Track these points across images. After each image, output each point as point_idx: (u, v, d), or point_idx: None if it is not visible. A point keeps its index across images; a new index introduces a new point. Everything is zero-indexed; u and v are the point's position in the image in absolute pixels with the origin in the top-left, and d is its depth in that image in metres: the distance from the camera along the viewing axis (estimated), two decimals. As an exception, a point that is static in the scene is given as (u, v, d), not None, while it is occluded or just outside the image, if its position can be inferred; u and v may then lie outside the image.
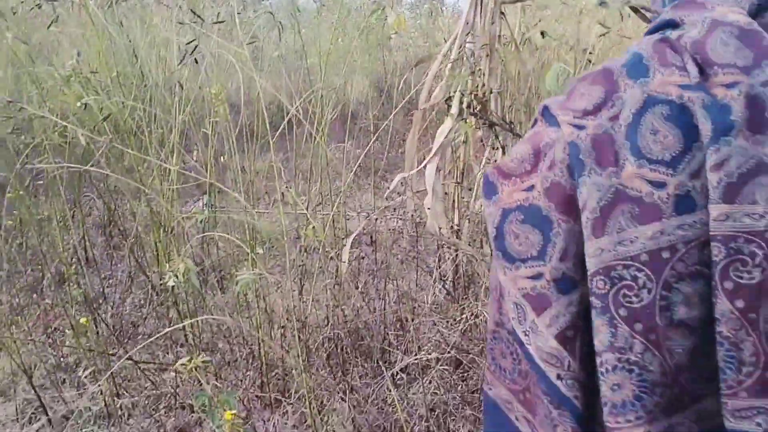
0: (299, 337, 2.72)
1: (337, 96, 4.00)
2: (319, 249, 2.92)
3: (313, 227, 2.37)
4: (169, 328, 2.54)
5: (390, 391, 2.76)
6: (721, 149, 0.68)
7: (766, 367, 0.66)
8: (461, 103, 3.00)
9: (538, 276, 0.75)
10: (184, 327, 2.71)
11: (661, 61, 0.73)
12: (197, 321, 2.92)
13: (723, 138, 0.68)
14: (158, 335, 2.95)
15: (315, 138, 3.15)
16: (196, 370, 2.06)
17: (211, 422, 2.25)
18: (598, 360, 0.71)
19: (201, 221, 3.51)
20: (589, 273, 0.71)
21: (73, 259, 3.94)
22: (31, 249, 4.16)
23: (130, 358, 2.96)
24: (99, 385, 2.83)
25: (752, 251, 0.66)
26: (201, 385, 2.56)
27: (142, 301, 3.86)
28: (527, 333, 0.77)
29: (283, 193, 2.45)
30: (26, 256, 4.07)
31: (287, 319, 2.46)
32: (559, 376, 0.75)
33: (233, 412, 1.95)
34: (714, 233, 0.68)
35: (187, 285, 2.49)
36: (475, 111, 2.71)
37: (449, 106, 3.08)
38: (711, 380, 0.69)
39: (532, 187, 0.77)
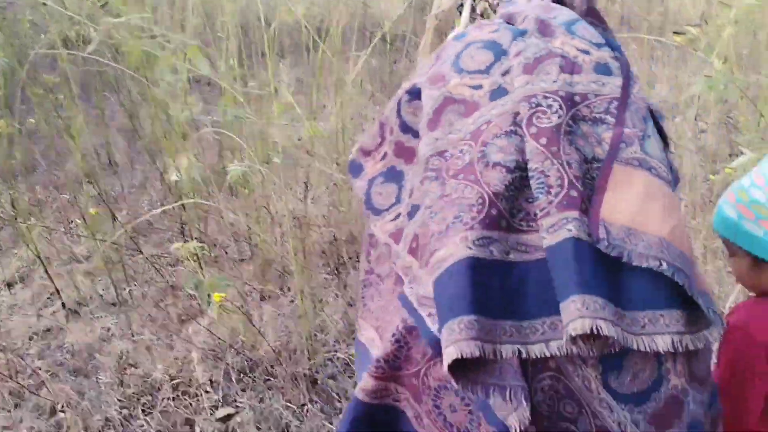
0: (297, 234, 2.80)
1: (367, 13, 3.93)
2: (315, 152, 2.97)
3: (312, 126, 2.41)
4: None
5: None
6: (518, 44, 0.96)
7: (570, 187, 0.81)
8: (473, 9, 2.95)
9: (397, 216, 0.99)
10: (180, 223, 2.80)
11: (475, 26, 1.15)
12: (205, 218, 3.02)
13: (520, 38, 0.97)
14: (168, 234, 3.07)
15: (331, 54, 3.12)
16: (191, 256, 2.16)
17: (205, 306, 2.37)
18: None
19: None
20: (425, 157, 0.94)
21: (94, 161, 4.06)
22: (54, 148, 4.29)
23: (140, 251, 3.09)
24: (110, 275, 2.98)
25: (549, 104, 0.87)
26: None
27: (158, 202, 3.98)
28: (394, 262, 0.97)
29: (276, 89, 2.47)
30: (50, 155, 4.20)
31: (287, 218, 2.53)
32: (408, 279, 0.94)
33: (222, 295, 2.05)
34: (519, 96, 0.89)
35: (191, 183, 2.58)
36: (487, 16, 2.67)
37: (461, 12, 3.03)
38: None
39: (385, 155, 1.04)
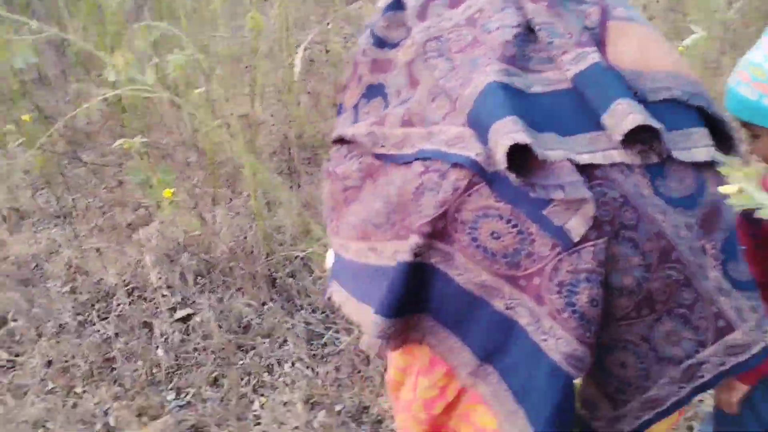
0: (246, 135, 2.72)
1: None
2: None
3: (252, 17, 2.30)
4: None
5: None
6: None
7: (580, 34, 0.82)
8: None
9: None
10: (121, 126, 2.68)
11: None
12: (148, 123, 2.90)
13: None
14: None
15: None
16: (140, 154, 2.07)
17: (154, 207, 2.29)
18: None
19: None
20: (420, 42, 0.91)
21: (24, 76, 3.82)
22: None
23: (79, 159, 2.96)
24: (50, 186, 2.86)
25: None
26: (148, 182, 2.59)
27: (96, 116, 3.80)
28: (381, 144, 0.93)
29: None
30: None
31: (233, 115, 2.43)
32: None
33: (173, 190, 1.98)
34: None
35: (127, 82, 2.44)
36: None
37: None
38: None
39: (360, 78, 0.99)
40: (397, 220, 0.90)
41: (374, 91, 1.02)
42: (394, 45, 1.00)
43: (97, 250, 2.45)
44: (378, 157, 0.95)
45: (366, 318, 0.93)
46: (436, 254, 0.86)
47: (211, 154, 2.53)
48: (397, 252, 0.90)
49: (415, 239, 0.85)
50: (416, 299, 0.89)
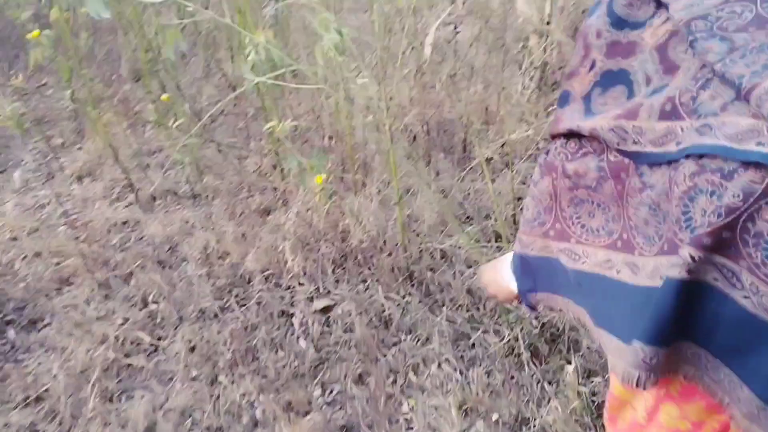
0: (382, 119, 2.62)
1: None
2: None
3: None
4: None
5: (475, 182, 2.68)
6: None
7: None
8: None
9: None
10: (256, 108, 2.63)
11: None
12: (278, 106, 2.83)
13: None
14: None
15: None
16: (286, 136, 2.00)
17: (302, 189, 2.22)
18: None
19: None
20: (682, 22, 0.77)
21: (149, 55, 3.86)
22: (105, 46, 4.10)
23: (212, 140, 2.94)
24: (183, 166, 2.85)
25: None
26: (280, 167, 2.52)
27: (217, 98, 3.81)
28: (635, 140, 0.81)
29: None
30: (102, 54, 4.02)
31: (368, 106, 2.33)
32: None
33: (324, 176, 1.90)
34: None
35: (267, 64, 2.37)
36: None
37: None
38: None
39: (594, 63, 0.86)
40: (664, 232, 0.76)
41: (614, 79, 0.87)
42: (639, 25, 0.85)
43: (238, 234, 2.41)
44: (626, 154, 0.81)
45: (611, 342, 0.81)
46: (713, 271, 0.72)
47: (350, 139, 2.43)
48: (658, 268, 0.76)
49: (689, 252, 0.71)
50: (680, 324, 0.75)
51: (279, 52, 2.27)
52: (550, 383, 1.85)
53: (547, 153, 0.90)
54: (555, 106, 3.03)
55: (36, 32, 2.08)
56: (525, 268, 0.98)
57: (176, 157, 2.16)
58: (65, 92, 3.33)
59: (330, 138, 2.80)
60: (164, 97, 2.61)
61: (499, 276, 1.05)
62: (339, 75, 2.43)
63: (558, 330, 1.96)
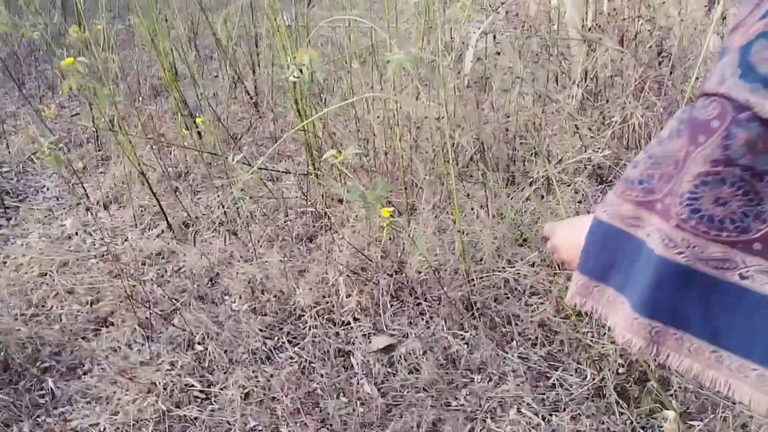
0: (431, 139, 2.47)
1: None
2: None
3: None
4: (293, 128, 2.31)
5: (528, 201, 2.53)
6: None
7: None
8: None
9: None
10: (305, 130, 2.48)
11: None
12: (320, 126, 2.68)
13: None
14: (281, 137, 2.74)
15: None
16: (342, 164, 1.85)
17: (366, 218, 2.08)
18: None
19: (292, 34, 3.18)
20: None
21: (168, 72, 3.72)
22: (124, 62, 3.95)
23: (249, 165, 2.78)
24: (218, 192, 2.69)
25: None
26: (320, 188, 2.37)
27: (240, 114, 3.66)
28: None
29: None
30: (122, 70, 3.86)
31: (409, 128, 2.19)
32: None
33: (391, 209, 1.74)
34: None
35: (311, 80, 2.23)
36: None
37: None
38: None
39: (767, 13, 0.66)
40: None
41: None
42: None
43: (283, 264, 2.25)
44: None
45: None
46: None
47: (402, 162, 2.28)
48: None
49: None
50: None
51: (320, 72, 2.13)
52: (644, 429, 1.69)
53: (692, 108, 0.71)
54: (606, 117, 2.84)
55: (70, 59, 1.92)
56: (606, 242, 0.76)
57: (236, 193, 1.99)
58: (87, 114, 3.18)
59: (374, 157, 2.64)
60: (199, 120, 2.46)
61: (581, 239, 0.79)
62: (391, 93, 2.28)
63: (646, 367, 1.80)
